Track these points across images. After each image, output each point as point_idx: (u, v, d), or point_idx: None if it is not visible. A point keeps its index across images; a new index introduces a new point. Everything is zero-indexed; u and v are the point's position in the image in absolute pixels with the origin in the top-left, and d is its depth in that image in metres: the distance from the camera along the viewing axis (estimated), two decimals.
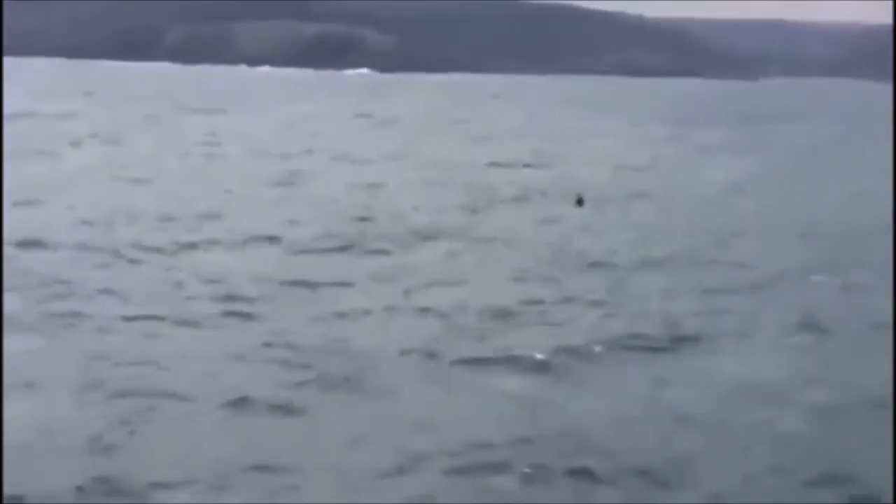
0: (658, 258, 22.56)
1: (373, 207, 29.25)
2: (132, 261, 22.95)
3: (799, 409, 14.34)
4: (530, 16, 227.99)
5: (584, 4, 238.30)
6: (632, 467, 12.83)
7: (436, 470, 13.13)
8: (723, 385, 16.26)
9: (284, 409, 15.58)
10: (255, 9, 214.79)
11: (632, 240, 25.21)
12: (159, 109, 70.65)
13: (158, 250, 24.88)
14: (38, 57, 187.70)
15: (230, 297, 21.47)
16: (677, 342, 18.26)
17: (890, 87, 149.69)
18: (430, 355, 18.19)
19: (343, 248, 24.58)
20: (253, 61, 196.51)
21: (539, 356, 17.59)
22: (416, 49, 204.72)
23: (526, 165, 44.93)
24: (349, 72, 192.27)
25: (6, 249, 22.15)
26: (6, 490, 11.36)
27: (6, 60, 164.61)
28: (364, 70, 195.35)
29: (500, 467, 13.25)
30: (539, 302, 21.04)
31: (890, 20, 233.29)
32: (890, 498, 10.79)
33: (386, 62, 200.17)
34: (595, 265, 22.05)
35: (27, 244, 23.63)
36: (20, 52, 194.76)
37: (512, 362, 17.38)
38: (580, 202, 31.45)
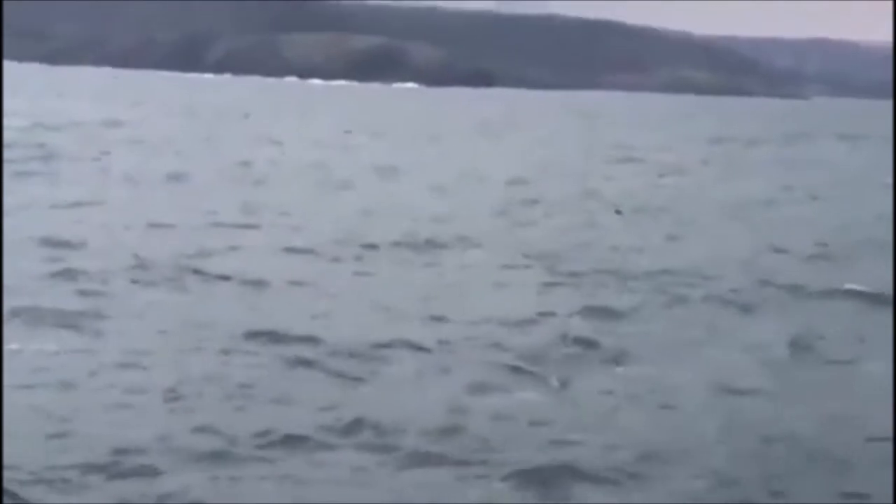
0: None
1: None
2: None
3: None
4: (577, 31, 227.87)
5: (631, 20, 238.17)
6: None
7: None
8: None
9: None
10: (301, 20, 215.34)
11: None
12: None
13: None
14: (86, 66, 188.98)
15: None
16: None
17: None
18: None
19: None
20: (302, 73, 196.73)
21: None
22: (462, 63, 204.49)
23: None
24: (396, 85, 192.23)
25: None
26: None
27: (59, 69, 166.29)
28: (411, 84, 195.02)
29: None
30: None
31: None
32: (890, 498, 10.21)
33: (432, 76, 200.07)
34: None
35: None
36: (69, 61, 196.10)
37: None
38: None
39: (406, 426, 11.20)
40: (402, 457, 10.48)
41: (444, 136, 63.16)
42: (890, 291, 19.33)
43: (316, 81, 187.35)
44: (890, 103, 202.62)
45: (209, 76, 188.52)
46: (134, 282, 17.78)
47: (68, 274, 17.89)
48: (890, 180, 44.39)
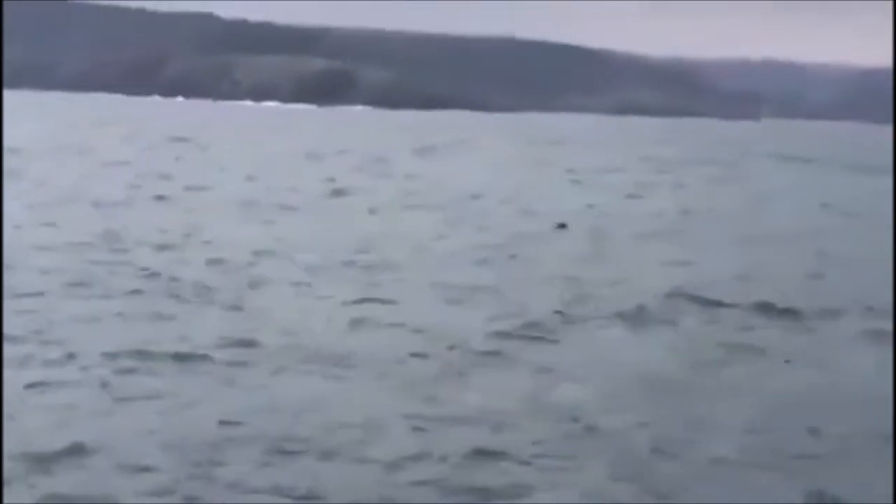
0: None
1: None
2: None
3: None
4: (531, 54, 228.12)
5: (587, 44, 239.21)
6: None
7: None
8: None
9: None
10: (253, 43, 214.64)
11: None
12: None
13: None
14: (42, 91, 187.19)
15: None
16: None
17: (890, 129, 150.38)
18: None
19: None
20: (256, 96, 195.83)
21: None
22: (411, 85, 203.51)
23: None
24: (345, 108, 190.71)
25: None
26: None
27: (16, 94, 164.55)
28: (359, 107, 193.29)
29: None
30: None
31: (887, 62, 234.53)
32: (890, 498, 10.57)
33: (381, 98, 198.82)
34: None
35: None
36: (25, 85, 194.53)
37: None
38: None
39: None
40: None
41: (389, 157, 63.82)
42: None
43: (271, 104, 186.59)
44: (837, 125, 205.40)
45: (157, 98, 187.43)
46: None
47: None
48: (823, 201, 45.35)
